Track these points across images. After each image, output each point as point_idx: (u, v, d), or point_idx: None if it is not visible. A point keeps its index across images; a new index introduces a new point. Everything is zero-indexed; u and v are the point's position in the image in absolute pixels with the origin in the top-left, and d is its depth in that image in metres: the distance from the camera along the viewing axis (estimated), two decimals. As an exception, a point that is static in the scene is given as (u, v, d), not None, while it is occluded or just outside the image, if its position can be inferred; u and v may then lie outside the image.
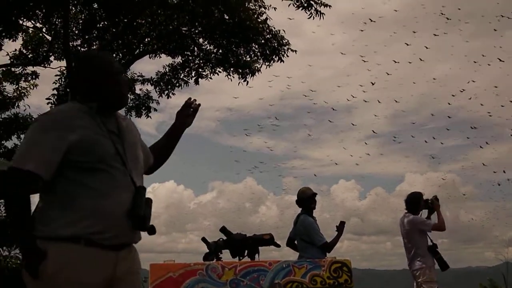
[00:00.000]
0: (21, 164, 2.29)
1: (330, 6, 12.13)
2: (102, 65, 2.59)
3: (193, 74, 14.43)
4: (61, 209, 2.32)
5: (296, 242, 6.68)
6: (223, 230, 5.04)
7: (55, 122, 2.38)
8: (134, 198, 2.43)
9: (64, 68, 13.72)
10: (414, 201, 6.76)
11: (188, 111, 2.94)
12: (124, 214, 2.38)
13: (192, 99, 2.94)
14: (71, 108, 2.51)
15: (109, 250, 2.35)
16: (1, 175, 2.34)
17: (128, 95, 2.70)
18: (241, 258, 4.97)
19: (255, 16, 12.84)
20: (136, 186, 2.48)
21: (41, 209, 2.38)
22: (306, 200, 6.61)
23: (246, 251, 5.01)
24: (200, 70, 14.33)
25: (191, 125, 2.98)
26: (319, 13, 12.16)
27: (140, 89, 15.28)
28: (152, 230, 2.51)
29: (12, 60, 14.65)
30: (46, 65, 14.63)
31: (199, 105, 2.94)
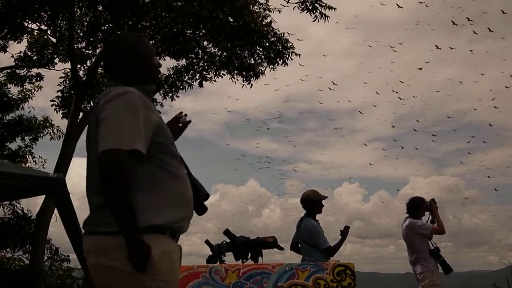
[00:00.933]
0: (125, 144, 2.02)
1: (335, 8, 12.16)
2: (148, 46, 2.52)
3: (197, 77, 14.47)
4: (148, 195, 2.15)
5: (299, 245, 6.68)
6: (227, 232, 5.03)
7: (139, 101, 2.17)
8: (193, 182, 2.39)
9: (68, 70, 13.77)
10: (415, 205, 6.77)
11: (177, 125, 2.80)
12: (193, 199, 2.34)
13: (183, 114, 2.80)
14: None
15: (176, 241, 2.26)
16: (106, 158, 2.02)
17: None
18: (244, 260, 4.97)
19: (260, 19, 12.88)
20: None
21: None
22: (315, 203, 6.59)
23: (249, 254, 5.01)
24: (204, 72, 14.37)
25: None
26: (323, 16, 12.19)
27: (144, 92, 15.29)
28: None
29: (16, 62, 14.72)
30: (50, 67, 14.71)
31: (190, 121, 2.81)
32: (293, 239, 6.80)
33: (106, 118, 2.10)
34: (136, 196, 2.08)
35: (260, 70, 13.78)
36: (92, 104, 13.62)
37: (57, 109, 13.90)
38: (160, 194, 2.17)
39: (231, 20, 12.74)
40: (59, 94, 13.99)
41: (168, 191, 2.19)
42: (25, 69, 15.13)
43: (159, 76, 2.54)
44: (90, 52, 14.17)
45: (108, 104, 2.15)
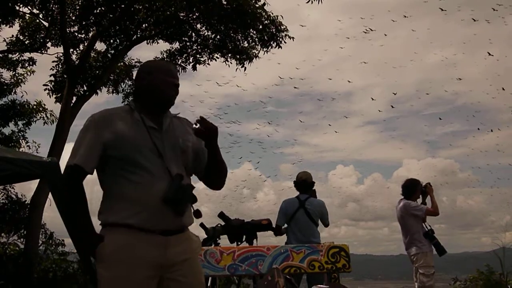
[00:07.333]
0: (71, 161, 2.68)
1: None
2: (141, 70, 2.92)
3: (191, 60, 14.37)
4: (109, 200, 2.69)
5: (301, 226, 6.52)
6: (221, 215, 5.03)
7: (93, 123, 2.71)
8: (168, 185, 2.62)
9: (61, 54, 13.67)
10: (410, 187, 6.82)
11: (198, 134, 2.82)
12: (160, 201, 2.60)
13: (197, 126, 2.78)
14: (117, 109, 2.84)
15: (159, 234, 2.61)
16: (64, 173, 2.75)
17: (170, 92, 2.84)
18: (239, 243, 4.99)
19: (253, 1, 12.78)
20: (172, 175, 2.66)
21: (101, 201, 2.74)
22: (312, 184, 6.73)
23: (244, 236, 5.02)
24: (198, 56, 14.28)
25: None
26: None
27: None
28: (197, 214, 2.76)
29: (9, 46, 14.57)
30: (43, 51, 14.55)
31: (200, 129, 2.77)
32: (279, 222, 6.64)
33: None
34: (102, 201, 2.72)
35: (254, 53, 13.73)
36: (85, 88, 13.59)
37: (50, 94, 13.84)
38: (116, 199, 2.65)
39: (224, 2, 12.63)
40: (52, 78, 13.92)
41: (123, 195, 2.62)
42: (17, 53, 14.99)
43: (156, 92, 2.84)
44: (82, 36, 14.03)
45: None
